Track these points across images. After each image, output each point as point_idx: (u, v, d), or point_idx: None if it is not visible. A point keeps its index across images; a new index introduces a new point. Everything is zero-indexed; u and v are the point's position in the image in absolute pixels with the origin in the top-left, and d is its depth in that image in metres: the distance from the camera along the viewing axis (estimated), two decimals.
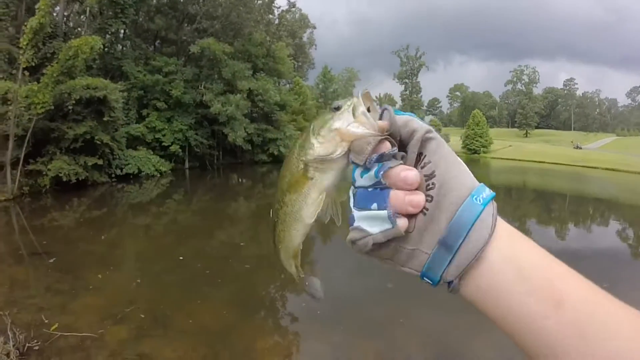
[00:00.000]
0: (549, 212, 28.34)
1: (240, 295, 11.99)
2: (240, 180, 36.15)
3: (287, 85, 52.72)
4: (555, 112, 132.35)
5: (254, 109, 38.03)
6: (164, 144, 30.89)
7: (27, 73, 18.29)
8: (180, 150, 31.90)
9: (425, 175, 0.66)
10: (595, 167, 54.74)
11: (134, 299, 10.33)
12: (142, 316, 9.56)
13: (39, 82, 18.83)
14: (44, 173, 19.51)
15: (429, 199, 0.65)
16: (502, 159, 71.34)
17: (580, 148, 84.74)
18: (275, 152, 41.90)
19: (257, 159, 41.56)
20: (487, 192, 0.64)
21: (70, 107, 20.23)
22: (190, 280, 12.48)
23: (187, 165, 33.65)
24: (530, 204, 32.27)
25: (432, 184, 0.65)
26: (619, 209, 29.07)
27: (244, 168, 39.82)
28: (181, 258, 14.05)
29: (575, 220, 25.12)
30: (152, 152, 29.21)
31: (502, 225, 0.64)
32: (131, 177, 26.03)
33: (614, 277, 13.18)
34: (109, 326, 8.91)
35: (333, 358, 9.82)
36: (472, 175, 0.66)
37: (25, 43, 17.68)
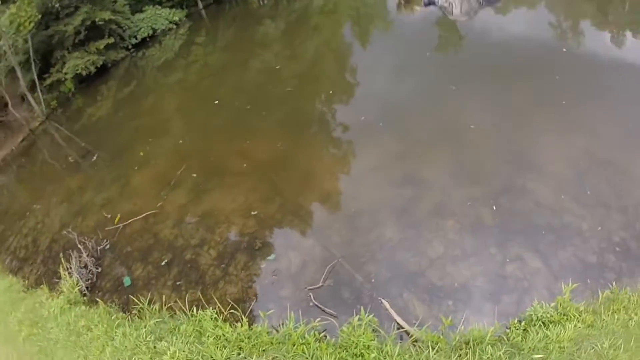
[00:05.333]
0: (606, 14, 22.80)
1: (288, 121, 11.22)
2: (261, 1, 33.28)
3: None
4: None
5: None
6: None
7: None
8: None
9: None
10: None
11: (182, 159, 10.05)
12: (195, 175, 9.31)
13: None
14: (63, 79, 19.21)
15: None
16: None
17: None
18: None
19: None
20: None
21: (56, 5, 18.93)
22: (234, 121, 11.83)
23: (200, 5, 30.59)
24: (585, 2, 26.40)
25: None
26: None
27: None
28: (216, 102, 13.30)
29: (635, 29, 20.02)
30: (160, 7, 26.78)
31: None
32: (148, 39, 24.70)
33: None
34: (166, 196, 8.80)
35: (402, 171, 9.02)
36: None
37: None
